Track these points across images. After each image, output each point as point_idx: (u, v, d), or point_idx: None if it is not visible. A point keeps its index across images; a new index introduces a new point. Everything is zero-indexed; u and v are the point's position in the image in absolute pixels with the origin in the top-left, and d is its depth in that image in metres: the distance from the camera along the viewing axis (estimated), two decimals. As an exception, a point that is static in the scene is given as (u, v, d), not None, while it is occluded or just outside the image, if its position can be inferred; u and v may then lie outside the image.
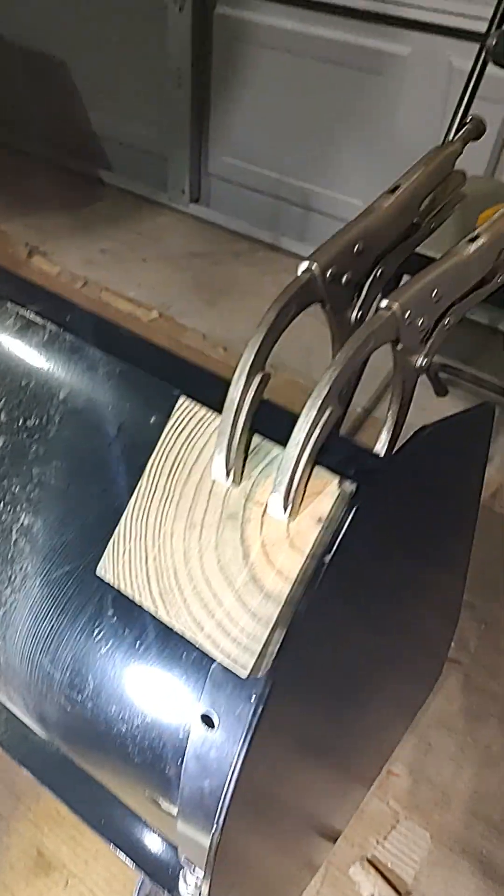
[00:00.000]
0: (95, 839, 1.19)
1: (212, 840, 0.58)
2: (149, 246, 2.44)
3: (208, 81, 2.28)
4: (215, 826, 0.57)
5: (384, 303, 0.52)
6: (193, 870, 0.77)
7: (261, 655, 0.51)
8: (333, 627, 0.58)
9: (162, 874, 0.89)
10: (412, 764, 1.31)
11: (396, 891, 1.16)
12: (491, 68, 1.43)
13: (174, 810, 0.64)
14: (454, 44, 1.79)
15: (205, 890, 0.67)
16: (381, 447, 0.59)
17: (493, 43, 1.24)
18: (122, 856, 0.90)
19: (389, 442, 0.59)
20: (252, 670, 0.51)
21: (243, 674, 0.51)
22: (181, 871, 0.89)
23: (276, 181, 2.31)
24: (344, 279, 0.56)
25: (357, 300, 0.60)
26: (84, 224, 2.50)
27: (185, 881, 0.88)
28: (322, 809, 0.98)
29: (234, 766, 0.54)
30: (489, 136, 1.88)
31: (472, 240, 0.57)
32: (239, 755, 0.54)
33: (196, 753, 0.59)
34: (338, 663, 0.64)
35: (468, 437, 0.66)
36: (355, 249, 0.56)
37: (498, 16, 1.39)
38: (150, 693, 0.62)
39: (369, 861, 1.19)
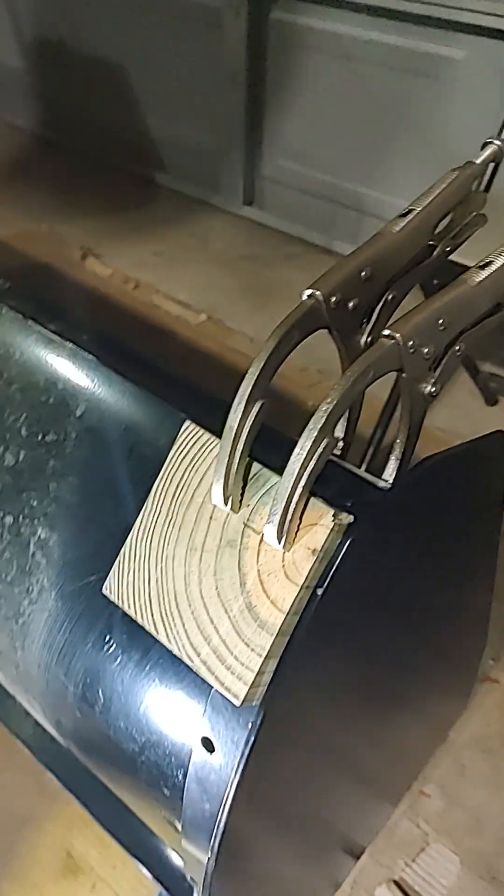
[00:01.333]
0: (124, 844, 1.21)
1: (208, 865, 0.59)
2: (200, 248, 2.45)
3: (263, 85, 2.28)
4: (211, 853, 0.57)
5: (386, 332, 0.52)
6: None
7: (254, 685, 0.51)
8: (332, 655, 0.58)
9: (178, 888, 0.90)
10: (445, 786, 1.29)
11: (422, 915, 1.15)
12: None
13: (179, 827, 0.65)
14: (511, 47, 1.75)
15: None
16: (388, 475, 0.59)
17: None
18: (140, 866, 0.92)
19: (397, 471, 0.59)
20: (245, 699, 0.51)
21: (236, 702, 0.51)
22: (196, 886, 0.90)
23: (329, 184, 2.30)
24: (350, 305, 0.56)
25: (367, 325, 0.59)
26: (138, 226, 2.53)
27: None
28: (341, 826, 0.98)
29: (230, 794, 0.55)
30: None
31: (483, 266, 0.56)
32: (235, 782, 0.54)
33: (197, 776, 0.59)
34: (342, 687, 0.64)
35: (481, 465, 0.65)
36: (363, 276, 0.56)
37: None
38: (157, 712, 0.62)
39: (396, 883, 1.17)
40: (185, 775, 0.61)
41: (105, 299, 2.24)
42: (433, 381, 0.57)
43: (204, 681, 0.57)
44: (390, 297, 0.60)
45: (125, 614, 0.61)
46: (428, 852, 1.21)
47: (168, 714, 0.61)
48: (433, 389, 0.58)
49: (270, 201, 2.50)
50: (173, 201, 2.67)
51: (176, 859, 0.92)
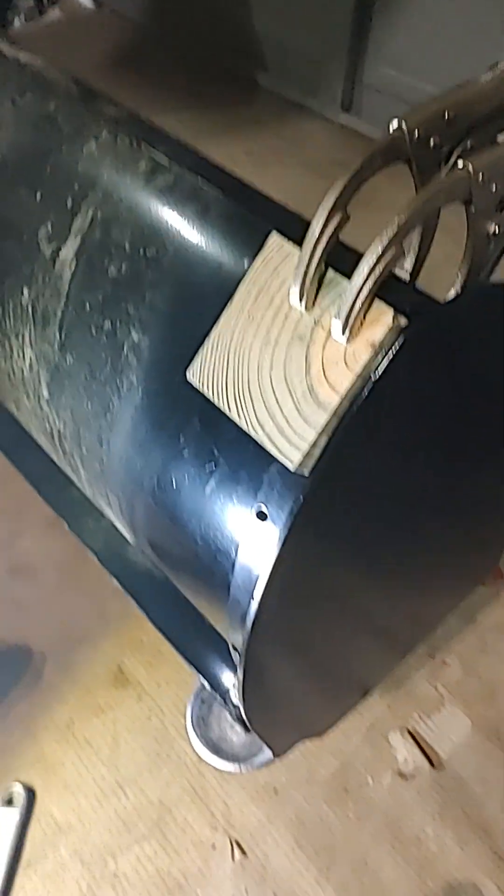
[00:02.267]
0: (169, 668, 1.36)
1: (249, 619, 0.69)
2: (293, 151, 2.48)
3: (374, -13, 2.26)
4: (253, 599, 0.68)
5: (460, 163, 0.58)
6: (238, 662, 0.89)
7: (308, 455, 0.60)
8: (373, 451, 0.66)
9: (217, 682, 1.03)
10: (465, 659, 1.39)
11: (430, 762, 1.27)
12: None
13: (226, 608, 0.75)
14: None
15: (240, 676, 0.78)
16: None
17: None
18: (187, 664, 1.05)
19: (455, 298, 0.66)
20: (298, 465, 0.61)
21: (291, 467, 0.61)
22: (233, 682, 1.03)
23: (429, 95, 2.26)
24: (432, 142, 0.62)
25: (444, 166, 0.65)
26: (233, 124, 2.57)
27: (234, 687, 1.02)
28: (354, 654, 1.08)
29: (277, 548, 0.64)
30: None
31: None
32: (282, 539, 0.64)
33: (249, 544, 0.70)
34: (376, 490, 0.72)
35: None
36: (446, 116, 0.62)
37: None
38: (220, 495, 0.72)
39: (409, 732, 1.30)
40: (237, 546, 0.71)
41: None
42: (498, 221, 0.64)
43: (263, 465, 0.66)
44: (469, 144, 0.66)
45: (201, 408, 0.71)
46: (442, 712, 1.33)
47: (229, 496, 0.71)
48: (496, 230, 0.64)
49: (368, 109, 2.49)
50: (271, 103, 2.69)
51: (216, 665, 1.05)
